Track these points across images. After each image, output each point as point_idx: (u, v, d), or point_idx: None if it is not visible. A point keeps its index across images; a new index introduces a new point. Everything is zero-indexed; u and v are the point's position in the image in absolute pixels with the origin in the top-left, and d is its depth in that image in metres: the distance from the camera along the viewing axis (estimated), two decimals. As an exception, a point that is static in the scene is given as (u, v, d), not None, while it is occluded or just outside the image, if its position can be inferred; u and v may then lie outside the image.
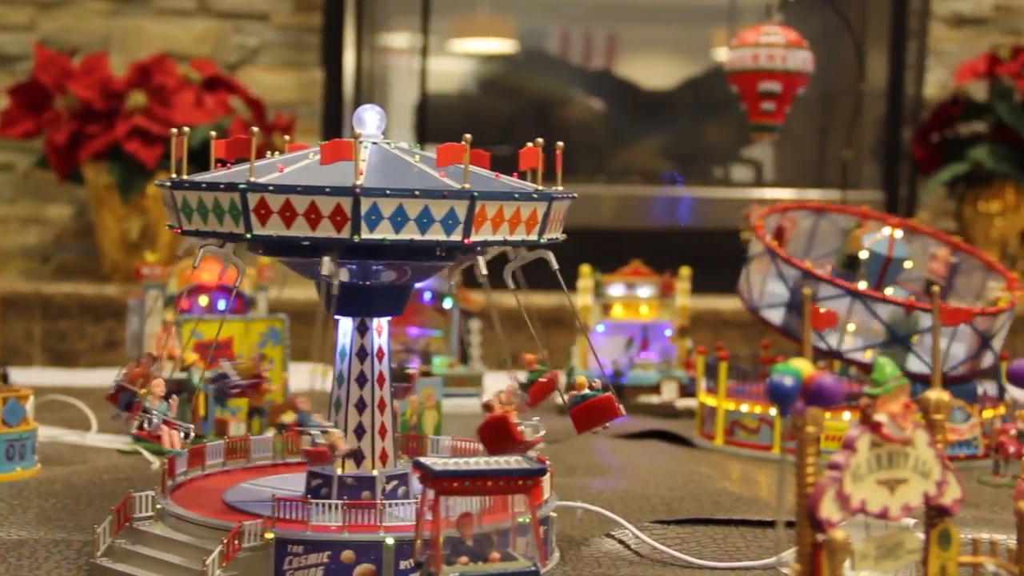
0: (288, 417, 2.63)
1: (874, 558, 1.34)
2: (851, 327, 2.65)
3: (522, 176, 1.83)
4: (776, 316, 2.80)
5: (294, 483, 1.92)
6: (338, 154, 1.68)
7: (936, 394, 1.40)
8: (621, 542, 1.96)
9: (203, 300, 3.03)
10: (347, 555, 1.64)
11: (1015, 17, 4.89)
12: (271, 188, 1.63)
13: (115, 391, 1.85)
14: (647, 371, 3.31)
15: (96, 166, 4.19)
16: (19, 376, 2.78)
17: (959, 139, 4.57)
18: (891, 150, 4.76)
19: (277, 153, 1.86)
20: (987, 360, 2.75)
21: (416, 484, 1.72)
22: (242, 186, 1.63)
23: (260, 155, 1.73)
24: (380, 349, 1.84)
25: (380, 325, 1.85)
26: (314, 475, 1.84)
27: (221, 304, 3.04)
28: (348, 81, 4.64)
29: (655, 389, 3.29)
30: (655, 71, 5.15)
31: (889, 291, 2.83)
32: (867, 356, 2.64)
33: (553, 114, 5.14)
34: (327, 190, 1.62)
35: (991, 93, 4.49)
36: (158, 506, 1.80)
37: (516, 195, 1.72)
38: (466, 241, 1.67)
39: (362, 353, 1.83)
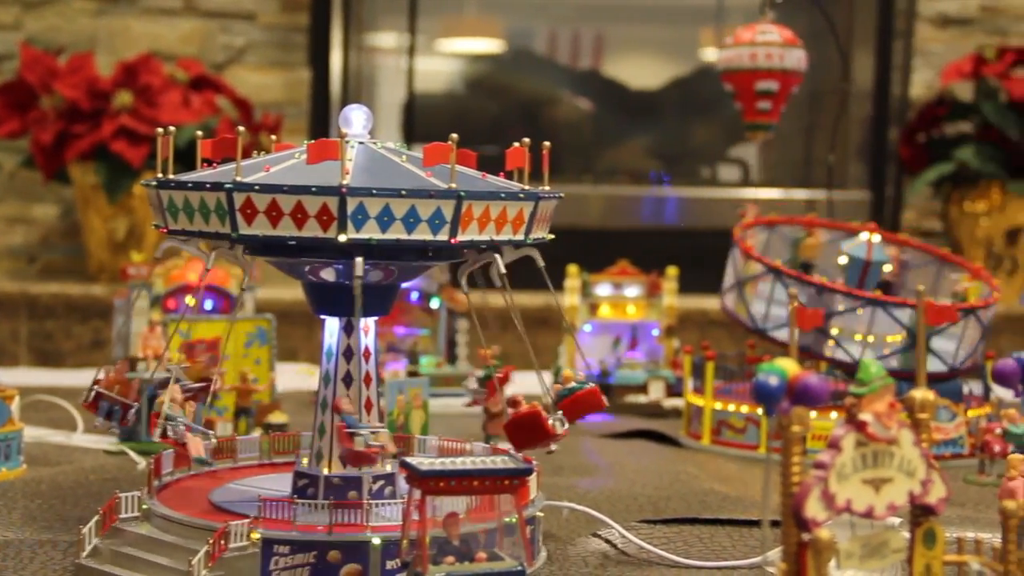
0: (276, 417, 2.64)
1: (859, 557, 1.34)
2: (871, 338, 2.64)
3: (509, 176, 1.83)
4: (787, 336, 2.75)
5: (280, 483, 1.92)
6: (324, 154, 1.68)
7: (921, 393, 1.41)
8: (608, 542, 1.96)
9: (190, 300, 3.03)
10: (333, 555, 1.64)
11: (1001, 17, 4.91)
12: (257, 188, 1.63)
13: (94, 399, 1.84)
14: (634, 371, 3.31)
15: (82, 166, 4.18)
16: (5, 376, 2.76)
17: (945, 139, 4.58)
18: (877, 150, 4.77)
19: (264, 153, 1.85)
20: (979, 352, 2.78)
21: (403, 484, 1.72)
22: (228, 186, 1.63)
23: (246, 155, 1.73)
24: (367, 349, 1.84)
25: (367, 325, 1.85)
26: (300, 475, 1.84)
27: (208, 304, 3.04)
28: (335, 81, 4.63)
29: (642, 389, 3.29)
30: (642, 71, 5.16)
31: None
32: (896, 363, 2.63)
33: (540, 114, 5.14)
34: (313, 190, 1.61)
35: (977, 93, 4.50)
36: (144, 506, 1.80)
37: (503, 195, 1.72)
38: (452, 241, 1.67)
39: (348, 353, 1.83)
